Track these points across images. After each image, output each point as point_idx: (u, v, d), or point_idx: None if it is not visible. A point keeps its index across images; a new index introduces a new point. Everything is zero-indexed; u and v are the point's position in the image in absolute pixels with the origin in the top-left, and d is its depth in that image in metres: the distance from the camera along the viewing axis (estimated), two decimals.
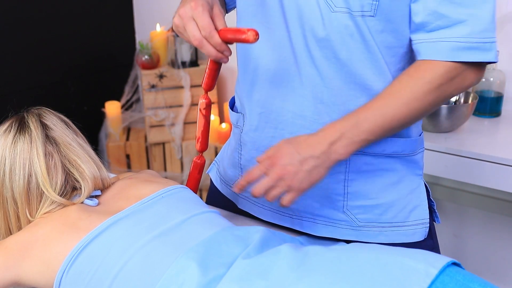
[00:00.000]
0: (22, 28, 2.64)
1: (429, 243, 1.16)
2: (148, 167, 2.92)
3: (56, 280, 0.96)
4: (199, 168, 1.24)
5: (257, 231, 1.01)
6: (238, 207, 1.28)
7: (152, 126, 2.79)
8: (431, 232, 1.18)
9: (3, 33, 2.58)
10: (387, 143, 1.08)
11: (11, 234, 1.08)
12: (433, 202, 1.18)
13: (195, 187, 1.24)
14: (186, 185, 1.20)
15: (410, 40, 1.03)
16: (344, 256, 0.90)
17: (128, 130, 3.00)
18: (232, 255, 0.94)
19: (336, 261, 0.89)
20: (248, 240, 0.98)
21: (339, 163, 1.03)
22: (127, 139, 2.92)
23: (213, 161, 1.39)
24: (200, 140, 1.21)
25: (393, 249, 0.93)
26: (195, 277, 0.88)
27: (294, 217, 1.18)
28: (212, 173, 1.37)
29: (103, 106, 2.91)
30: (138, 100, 3.03)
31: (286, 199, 1.00)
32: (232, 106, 1.28)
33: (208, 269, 0.89)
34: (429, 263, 0.85)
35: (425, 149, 1.28)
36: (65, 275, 0.95)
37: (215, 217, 1.07)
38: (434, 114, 1.87)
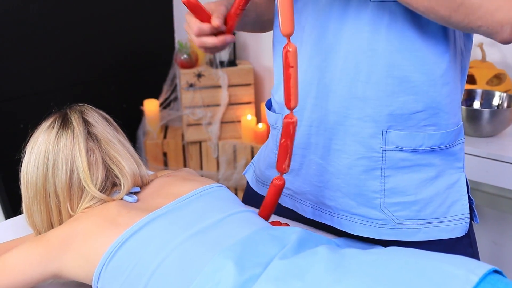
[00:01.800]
0: (65, 27, 2.69)
1: (469, 251, 1.14)
2: (185, 165, 2.94)
3: (95, 275, 0.97)
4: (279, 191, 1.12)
5: (293, 232, 1.00)
6: (282, 205, 1.28)
7: (189, 125, 2.81)
8: (471, 240, 1.15)
9: (47, 32, 2.63)
10: (425, 138, 1.07)
11: (52, 228, 1.10)
12: (472, 200, 1.15)
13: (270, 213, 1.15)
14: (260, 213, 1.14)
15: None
16: (381, 260, 0.89)
17: (165, 128, 3.04)
18: (269, 255, 0.93)
19: (374, 264, 0.87)
20: (285, 240, 0.98)
21: (376, 162, 1.02)
22: (165, 137, 2.95)
23: (250, 163, 1.39)
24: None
25: (432, 254, 0.92)
26: (232, 276, 0.88)
27: (334, 215, 1.17)
28: (248, 175, 1.37)
29: (142, 104, 2.94)
30: (176, 98, 3.06)
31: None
32: (270, 107, 1.28)
33: (245, 269, 0.89)
34: (470, 270, 0.83)
35: (466, 154, 1.26)
36: (104, 269, 0.96)
37: (252, 216, 1.07)
38: (476, 118, 1.84)
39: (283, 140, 1.04)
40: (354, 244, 1.13)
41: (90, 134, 1.10)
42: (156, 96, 3.03)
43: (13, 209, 2.49)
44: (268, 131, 2.71)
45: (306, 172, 1.18)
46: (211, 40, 1.09)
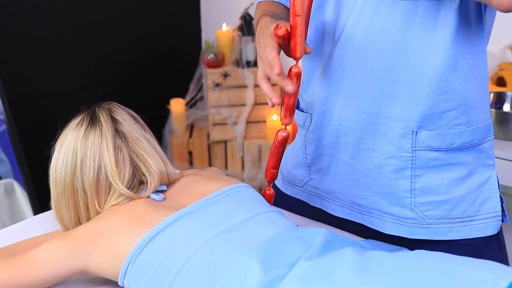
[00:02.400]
0: (94, 26, 2.72)
1: (498, 255, 1.12)
2: (210, 165, 2.95)
3: (122, 271, 0.98)
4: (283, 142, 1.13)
5: (319, 233, 1.00)
6: (309, 204, 1.28)
7: (215, 124, 2.82)
8: (500, 244, 1.14)
9: (77, 31, 2.66)
10: (456, 135, 1.06)
11: (80, 224, 1.11)
12: (502, 199, 1.14)
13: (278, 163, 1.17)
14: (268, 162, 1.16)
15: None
16: (408, 263, 0.88)
17: (191, 127, 3.05)
18: (294, 255, 0.93)
19: (401, 267, 0.87)
20: (310, 241, 0.98)
21: (406, 161, 1.02)
22: (190, 136, 2.96)
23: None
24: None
25: (460, 258, 0.91)
26: (257, 276, 0.88)
27: (364, 213, 1.17)
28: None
29: (168, 103, 2.96)
30: (202, 98, 3.07)
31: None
32: (297, 106, 1.28)
33: (270, 269, 0.89)
34: (499, 275, 0.81)
35: (496, 157, 1.24)
36: (130, 267, 0.97)
37: (277, 217, 1.07)
38: (506, 121, 1.81)
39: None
40: (380, 247, 1.13)
41: (118, 132, 1.11)
42: (182, 95, 3.04)
43: (42, 205, 2.52)
44: (294, 132, 2.71)
45: (335, 171, 1.18)
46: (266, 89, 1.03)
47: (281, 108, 1.06)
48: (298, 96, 1.26)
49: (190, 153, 2.94)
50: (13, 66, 2.43)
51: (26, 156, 2.49)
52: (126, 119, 1.14)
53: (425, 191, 1.09)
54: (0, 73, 2.34)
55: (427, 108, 1.04)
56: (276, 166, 1.14)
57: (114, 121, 1.12)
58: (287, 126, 1.08)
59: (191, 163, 2.95)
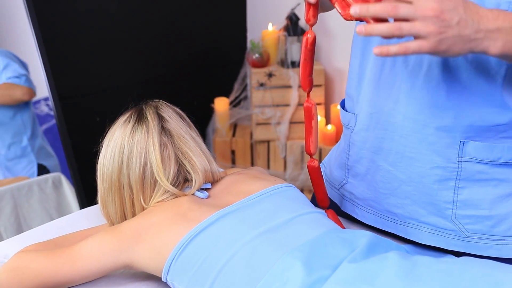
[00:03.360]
0: (141, 25, 2.76)
1: None
2: (252, 164, 2.96)
3: (165, 267, 0.99)
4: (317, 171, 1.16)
5: (363, 236, 0.99)
6: (341, 209, 1.27)
7: (258, 124, 2.83)
8: None
9: (124, 30, 2.71)
10: (504, 150, 1.02)
11: (125, 219, 1.13)
12: None
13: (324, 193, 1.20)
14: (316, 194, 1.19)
15: None
16: (455, 270, 0.86)
17: (234, 126, 3.06)
18: (338, 257, 0.92)
19: (447, 274, 0.85)
20: (354, 244, 0.97)
21: (451, 172, 0.98)
22: (233, 135, 2.97)
23: (321, 163, 1.38)
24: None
25: (508, 267, 0.88)
26: (300, 277, 0.87)
27: (399, 223, 1.15)
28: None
29: (212, 102, 2.98)
30: (246, 97, 3.08)
31: (406, 46, 0.82)
32: (343, 106, 1.26)
33: (313, 270, 0.89)
34: None
35: None
36: (174, 263, 0.98)
37: (321, 218, 1.07)
38: None
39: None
40: (425, 252, 1.11)
41: (164, 129, 1.12)
42: (226, 94, 3.06)
43: (88, 200, 2.58)
44: (337, 133, 2.70)
45: (371, 178, 1.16)
46: None
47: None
48: (345, 96, 1.25)
49: (232, 152, 2.95)
50: (63, 64, 2.48)
51: (74, 151, 2.55)
52: (172, 116, 1.15)
53: (467, 204, 1.06)
54: (51, 70, 2.40)
55: (478, 120, 1.00)
56: (311, 73, 1.08)
57: (160, 118, 1.13)
58: (312, 27, 1.05)
59: (233, 162, 2.96)
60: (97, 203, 1.20)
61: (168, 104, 1.19)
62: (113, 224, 1.15)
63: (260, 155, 2.91)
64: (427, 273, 0.86)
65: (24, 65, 2.60)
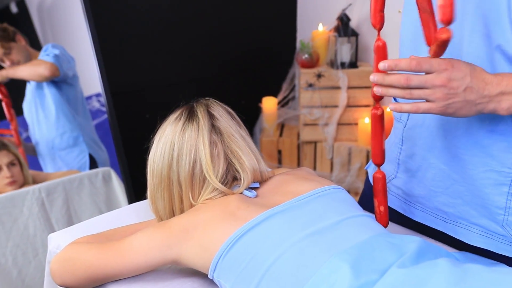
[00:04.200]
0: (192, 24, 2.79)
1: None
2: (298, 164, 2.95)
3: (212, 264, 1.00)
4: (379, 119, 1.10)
5: (412, 241, 0.98)
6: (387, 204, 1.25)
7: (305, 124, 2.81)
8: None
9: (176, 29, 2.74)
10: None
11: (173, 215, 1.14)
12: None
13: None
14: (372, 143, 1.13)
15: None
16: (508, 280, 0.84)
17: (282, 126, 3.06)
18: (386, 262, 0.91)
19: (499, 284, 0.83)
20: (403, 249, 0.95)
21: (505, 177, 0.97)
22: (280, 135, 2.97)
23: (370, 161, 1.37)
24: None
25: None
26: (347, 279, 0.87)
27: (448, 222, 1.13)
28: (370, 169, 1.35)
29: (260, 101, 2.99)
30: (294, 97, 3.08)
31: (418, 106, 0.93)
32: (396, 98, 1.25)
33: (361, 273, 0.88)
34: None
35: None
36: (221, 260, 0.99)
37: (370, 221, 1.05)
38: None
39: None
40: (476, 260, 1.08)
41: (214, 127, 1.13)
42: (274, 94, 3.06)
43: (136, 195, 2.62)
44: (386, 135, 2.66)
45: (423, 175, 1.14)
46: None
47: None
48: None
49: (279, 152, 2.95)
50: (116, 60, 2.53)
51: (123, 147, 2.60)
52: (223, 115, 1.16)
53: None
54: (105, 66, 2.45)
55: None
56: (383, 8, 1.04)
57: (211, 116, 1.14)
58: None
59: (280, 162, 2.96)
60: (146, 199, 1.22)
61: (218, 102, 1.20)
62: (162, 220, 1.16)
63: (306, 156, 2.90)
64: (478, 282, 0.84)
65: (66, 56, 2.64)
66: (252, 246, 0.97)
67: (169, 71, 2.78)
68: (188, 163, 1.10)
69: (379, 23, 1.02)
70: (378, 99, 1.05)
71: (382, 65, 0.93)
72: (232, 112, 1.20)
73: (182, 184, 1.11)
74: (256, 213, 1.01)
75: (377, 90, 0.96)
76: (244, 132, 1.18)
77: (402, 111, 0.96)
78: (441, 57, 0.92)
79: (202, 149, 1.10)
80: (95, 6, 2.38)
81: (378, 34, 1.02)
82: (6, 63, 2.63)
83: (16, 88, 2.84)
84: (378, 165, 1.12)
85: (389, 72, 0.94)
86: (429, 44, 0.92)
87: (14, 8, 3.51)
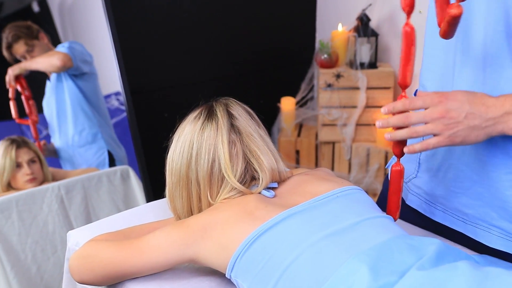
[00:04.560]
0: (211, 23, 2.79)
1: None
2: (316, 165, 2.94)
3: (230, 264, 1.00)
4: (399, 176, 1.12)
5: (432, 243, 0.97)
6: (406, 202, 1.25)
7: (324, 125, 2.81)
8: None
9: (195, 28, 2.74)
10: None
11: (191, 214, 1.14)
12: None
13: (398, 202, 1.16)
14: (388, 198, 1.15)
15: None
16: None
17: (300, 127, 3.05)
18: (405, 264, 0.91)
19: None
20: (422, 251, 0.95)
21: None
22: (299, 135, 2.96)
23: (393, 156, 1.36)
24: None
25: None
26: (365, 281, 0.86)
27: (468, 223, 1.12)
28: (390, 168, 1.34)
29: (279, 101, 2.98)
30: (312, 98, 3.07)
31: (427, 142, 0.96)
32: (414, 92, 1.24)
33: (379, 275, 0.87)
34: None
35: None
36: (239, 260, 0.99)
37: (389, 223, 1.05)
38: None
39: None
40: (496, 263, 1.07)
41: (233, 127, 1.13)
42: (293, 94, 3.05)
43: (154, 193, 2.63)
44: None
45: (443, 175, 1.13)
46: None
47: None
48: (419, 86, 1.22)
49: (297, 152, 2.94)
50: (136, 59, 2.54)
51: (142, 145, 2.61)
52: (242, 114, 1.16)
53: None
54: (125, 65, 2.47)
55: None
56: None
57: (230, 116, 1.14)
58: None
59: (297, 162, 2.95)
60: (163, 197, 1.23)
61: (237, 102, 1.20)
62: (180, 218, 1.16)
63: (324, 156, 2.89)
64: (499, 286, 0.83)
65: (82, 50, 2.66)
66: (270, 246, 0.97)
67: (188, 70, 2.78)
68: (206, 162, 1.10)
69: (409, 5, 0.98)
70: (399, 155, 1.07)
71: (382, 110, 0.99)
72: (251, 111, 1.20)
73: (200, 183, 1.11)
74: (274, 213, 1.01)
75: (387, 137, 1.01)
76: (263, 132, 1.18)
77: (416, 151, 1.00)
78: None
79: (221, 148, 1.10)
80: (115, 5, 2.39)
81: (408, 18, 0.99)
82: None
83: (37, 87, 2.87)
84: (404, 86, 1.04)
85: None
86: (440, 24, 0.92)
87: (36, 7, 3.55)
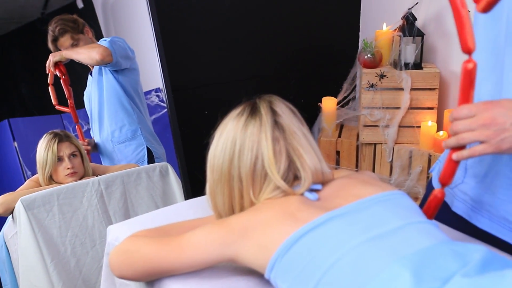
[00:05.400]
0: (253, 21, 2.79)
1: None
2: (357, 166, 2.90)
3: (270, 265, 0.98)
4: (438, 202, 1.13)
5: (477, 250, 0.93)
6: (452, 209, 1.22)
7: (365, 126, 2.76)
8: None
9: (237, 26, 2.74)
10: None
11: (233, 211, 1.13)
12: None
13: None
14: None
15: None
16: None
17: (341, 127, 3.02)
18: (449, 270, 0.87)
19: None
20: (467, 257, 0.91)
21: None
22: (339, 135, 2.93)
23: (437, 160, 1.33)
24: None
25: None
26: (407, 286, 0.83)
27: None
28: (434, 172, 1.31)
29: (320, 101, 2.95)
30: (354, 98, 3.03)
31: (473, 149, 0.96)
32: None
33: (422, 281, 0.85)
34: None
35: None
36: (279, 261, 0.97)
37: (433, 229, 1.02)
38: None
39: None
40: None
41: (276, 124, 1.11)
42: (334, 93, 3.02)
43: (192, 191, 2.63)
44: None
45: (490, 182, 1.10)
46: None
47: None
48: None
49: (337, 152, 2.91)
50: (177, 56, 2.55)
51: (182, 142, 2.62)
52: (285, 112, 1.14)
53: None
54: (167, 62, 2.48)
55: None
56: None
57: (273, 112, 1.12)
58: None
59: (337, 163, 2.92)
60: (202, 195, 1.22)
61: (281, 99, 1.18)
62: (220, 216, 1.15)
63: (365, 158, 2.85)
64: None
65: (124, 46, 2.67)
66: (311, 248, 0.95)
67: (229, 68, 2.78)
68: (250, 159, 1.09)
69: (472, 47, 0.97)
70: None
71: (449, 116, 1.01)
72: (295, 109, 1.19)
73: (243, 180, 1.10)
74: (316, 215, 0.99)
75: (443, 145, 1.05)
76: (306, 130, 1.16)
77: (463, 158, 1.01)
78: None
79: (265, 145, 1.09)
80: (158, 1, 2.40)
81: (470, 56, 0.99)
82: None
83: (80, 83, 2.91)
84: (469, 52, 1.00)
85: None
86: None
87: (80, 3, 3.60)
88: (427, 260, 0.89)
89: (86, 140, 2.77)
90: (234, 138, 1.11)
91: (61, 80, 2.64)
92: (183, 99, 2.61)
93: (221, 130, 1.14)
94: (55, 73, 2.62)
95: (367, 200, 1.03)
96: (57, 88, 2.65)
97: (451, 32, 2.60)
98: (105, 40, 2.61)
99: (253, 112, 1.12)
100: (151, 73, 2.81)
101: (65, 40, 2.67)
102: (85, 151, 2.54)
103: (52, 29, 2.66)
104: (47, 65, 2.60)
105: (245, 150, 1.09)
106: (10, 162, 2.69)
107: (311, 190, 1.09)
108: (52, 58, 2.59)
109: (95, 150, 2.93)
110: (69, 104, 2.69)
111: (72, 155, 2.32)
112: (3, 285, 2.16)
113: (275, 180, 1.08)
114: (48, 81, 2.61)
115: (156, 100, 3.64)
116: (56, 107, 2.68)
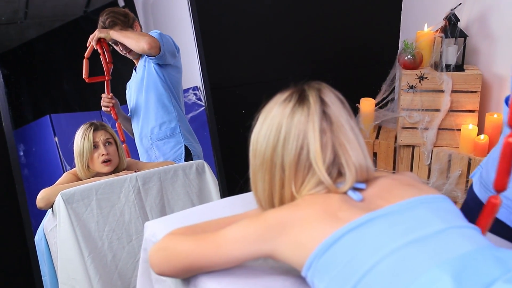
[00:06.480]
0: (291, 22, 2.78)
1: None
2: (394, 169, 2.86)
3: (307, 263, 0.97)
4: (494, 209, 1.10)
5: None
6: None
7: (404, 128, 2.72)
8: None
9: (275, 27, 2.74)
10: None
11: (272, 199, 1.11)
12: None
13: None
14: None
15: None
16: None
17: (378, 129, 2.98)
18: (491, 276, 0.86)
19: None
20: (510, 264, 0.89)
21: None
22: (377, 137, 2.90)
23: (479, 165, 1.30)
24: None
25: None
26: None
27: None
28: (475, 177, 1.28)
29: (358, 102, 2.92)
30: (393, 99, 2.99)
31: None
32: (506, 100, 1.18)
33: (463, 286, 0.83)
34: None
35: None
36: (317, 260, 0.96)
37: (475, 234, 0.99)
38: None
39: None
40: None
41: (325, 114, 1.07)
42: (373, 95, 2.98)
43: (228, 189, 2.64)
44: (490, 144, 2.51)
45: None
46: None
47: None
48: (510, 92, 1.16)
49: (375, 154, 2.88)
50: (216, 55, 2.56)
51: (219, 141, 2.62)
52: (334, 102, 1.10)
53: None
54: (206, 61, 2.49)
55: None
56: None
57: (322, 102, 1.09)
58: None
59: (375, 164, 2.88)
60: (238, 194, 1.21)
61: (330, 87, 1.14)
62: (260, 202, 1.14)
63: (403, 160, 2.81)
64: None
65: (171, 41, 2.68)
66: (350, 249, 0.93)
67: (266, 68, 2.78)
68: (294, 149, 1.05)
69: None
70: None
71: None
72: (344, 99, 1.14)
73: (286, 169, 1.07)
74: (357, 215, 0.97)
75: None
76: (354, 123, 1.12)
77: None
78: None
79: (312, 136, 1.05)
80: (199, 2, 2.42)
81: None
82: (119, 48, 2.69)
83: (122, 82, 2.94)
84: (499, 191, 1.05)
85: None
86: None
87: (121, 2, 3.64)
88: (468, 265, 0.87)
89: (110, 95, 2.74)
90: (279, 124, 1.07)
91: (100, 56, 2.62)
92: (221, 98, 2.62)
93: (265, 114, 1.11)
94: (95, 48, 2.61)
95: (409, 202, 1.01)
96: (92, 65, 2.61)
97: (495, 34, 2.54)
98: (155, 32, 2.62)
99: (301, 99, 1.09)
100: (189, 72, 2.83)
101: None
102: (120, 140, 2.57)
103: (102, 20, 2.67)
104: (89, 38, 2.59)
105: (290, 139, 1.06)
106: (50, 157, 2.74)
107: (355, 189, 1.06)
108: (97, 33, 2.59)
109: (119, 109, 2.91)
110: (105, 77, 2.65)
111: (107, 142, 2.35)
112: (42, 276, 2.20)
113: (319, 173, 1.04)
114: (85, 54, 2.58)
115: (193, 98, 3.65)
116: (86, 80, 2.63)
